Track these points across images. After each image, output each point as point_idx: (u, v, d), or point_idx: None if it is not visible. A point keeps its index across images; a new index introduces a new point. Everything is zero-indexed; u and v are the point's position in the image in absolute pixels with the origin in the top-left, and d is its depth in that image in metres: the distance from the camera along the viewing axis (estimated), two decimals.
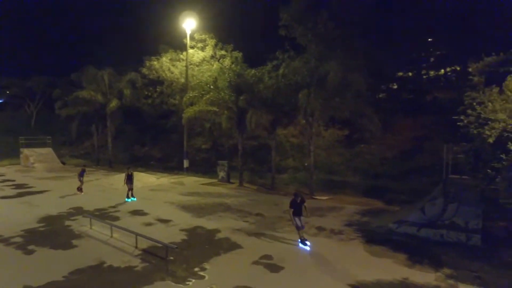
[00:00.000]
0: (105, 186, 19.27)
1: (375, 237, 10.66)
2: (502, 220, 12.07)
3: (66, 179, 21.61)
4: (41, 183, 20.02)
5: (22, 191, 17.76)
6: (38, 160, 28.01)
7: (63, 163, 29.60)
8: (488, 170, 9.07)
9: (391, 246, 9.83)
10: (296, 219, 9.85)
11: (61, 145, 35.56)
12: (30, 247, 9.75)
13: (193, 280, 7.85)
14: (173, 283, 7.69)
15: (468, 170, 10.78)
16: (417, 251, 9.46)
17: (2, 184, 19.78)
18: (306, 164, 20.18)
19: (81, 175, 17.47)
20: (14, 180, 20.97)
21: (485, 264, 8.65)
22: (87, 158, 32.28)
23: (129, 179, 15.84)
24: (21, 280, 7.63)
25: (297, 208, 9.84)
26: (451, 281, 7.75)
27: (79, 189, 17.48)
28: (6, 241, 10.22)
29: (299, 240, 9.99)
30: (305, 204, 10.01)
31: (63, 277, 7.86)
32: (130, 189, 15.91)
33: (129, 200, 15.77)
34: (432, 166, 16.91)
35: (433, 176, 15.69)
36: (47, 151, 29.94)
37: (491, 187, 9.59)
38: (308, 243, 9.90)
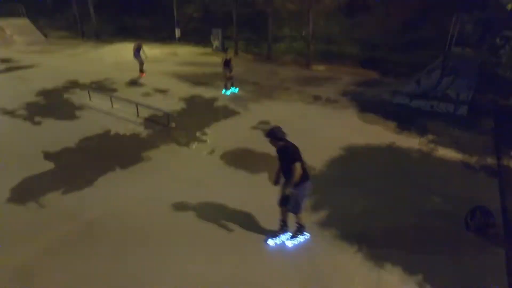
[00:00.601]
0: (95, 59, 18.64)
1: (368, 107, 11.08)
2: (492, 93, 12.44)
3: (52, 53, 20.61)
4: (26, 57, 19.06)
5: (10, 65, 16.97)
6: (15, 32, 25.72)
7: (45, 36, 27.65)
8: (497, 39, 8.82)
9: (383, 115, 10.31)
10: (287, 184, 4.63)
11: (36, 16, 32.47)
12: (37, 119, 9.97)
13: (196, 143, 8.45)
14: (177, 146, 8.28)
15: (474, 41, 10.49)
16: (407, 120, 9.99)
17: None
18: (303, 33, 19.28)
19: (137, 52, 14.38)
20: None
21: (466, 131, 9.27)
22: (70, 30, 30.06)
23: (227, 65, 11.89)
24: (38, 147, 8.04)
25: (281, 161, 4.77)
26: (432, 145, 8.45)
27: (141, 70, 14.76)
28: (11, 113, 10.38)
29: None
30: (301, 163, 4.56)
31: (75, 144, 8.31)
32: (230, 78, 12.22)
33: (228, 92, 12.36)
34: (435, 39, 16.31)
35: (433, 49, 15.28)
36: (24, 22, 27.19)
37: (491, 60, 9.51)
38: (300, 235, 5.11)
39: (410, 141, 8.65)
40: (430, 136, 8.97)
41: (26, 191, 6.34)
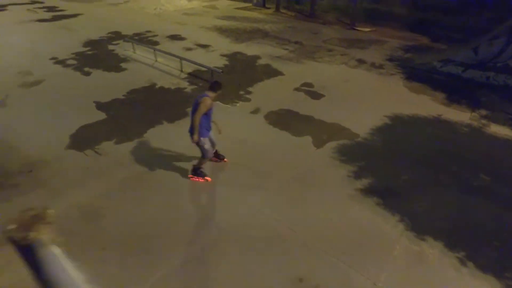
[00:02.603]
0: (136, 10, 18.48)
1: (416, 74, 10.55)
2: None
3: (93, 2, 20.51)
4: (70, 5, 18.93)
5: (56, 14, 16.99)
6: None
7: None
8: None
9: (432, 85, 9.83)
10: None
11: None
12: (86, 69, 10.25)
13: (240, 102, 8.50)
14: (222, 104, 8.38)
15: None
16: (458, 92, 9.47)
17: (33, 5, 19.01)
18: None
19: None
20: (43, 2, 20.02)
21: None
22: None
23: None
24: (90, 97, 8.40)
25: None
26: (484, 121, 8.04)
27: None
28: (63, 63, 10.69)
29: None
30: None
31: (123, 95, 8.58)
32: None
33: None
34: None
35: (498, 11, 13.95)
36: None
37: None
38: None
39: (460, 115, 8.26)
40: (483, 111, 8.50)
41: (84, 139, 6.75)
